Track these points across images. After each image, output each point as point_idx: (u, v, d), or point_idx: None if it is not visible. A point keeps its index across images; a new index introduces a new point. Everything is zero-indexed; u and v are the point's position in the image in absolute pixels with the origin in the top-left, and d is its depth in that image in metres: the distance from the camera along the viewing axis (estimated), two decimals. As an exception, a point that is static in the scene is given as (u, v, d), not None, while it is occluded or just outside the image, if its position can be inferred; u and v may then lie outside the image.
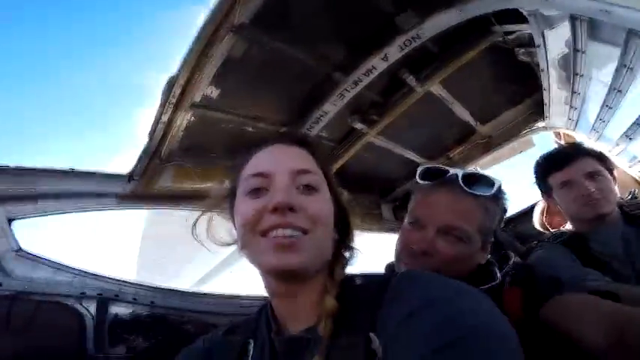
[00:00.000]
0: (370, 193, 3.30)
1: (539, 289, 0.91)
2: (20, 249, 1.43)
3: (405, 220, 1.11)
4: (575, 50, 1.57)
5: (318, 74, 2.03)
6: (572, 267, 1.29)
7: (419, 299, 0.56)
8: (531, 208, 3.41)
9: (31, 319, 1.31)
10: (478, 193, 1.00)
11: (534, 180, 1.71)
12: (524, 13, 1.48)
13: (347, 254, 0.80)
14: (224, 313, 1.86)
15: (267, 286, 0.76)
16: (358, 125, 2.46)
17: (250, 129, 2.10)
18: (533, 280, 0.95)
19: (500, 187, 1.05)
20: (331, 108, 2.17)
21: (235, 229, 0.79)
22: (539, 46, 1.64)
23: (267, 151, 0.79)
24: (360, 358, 0.56)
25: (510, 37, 1.82)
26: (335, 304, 0.66)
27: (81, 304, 1.45)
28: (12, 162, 1.45)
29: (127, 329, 1.54)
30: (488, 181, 1.03)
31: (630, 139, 2.14)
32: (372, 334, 0.58)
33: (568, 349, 0.80)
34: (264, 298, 0.83)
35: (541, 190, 1.69)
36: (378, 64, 1.98)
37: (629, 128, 2.09)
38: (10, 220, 1.45)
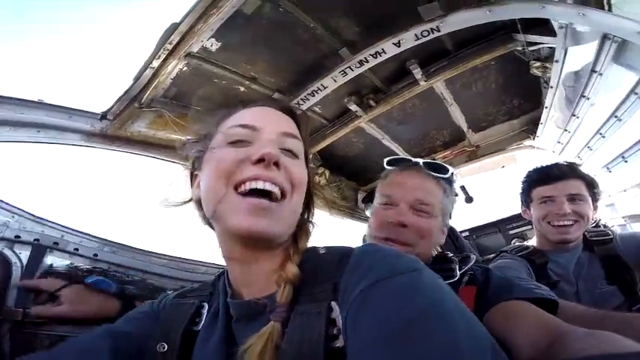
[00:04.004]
0: (349, 178, 3.19)
1: (492, 291, 0.91)
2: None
3: (376, 203, 1.19)
4: (593, 71, 1.49)
5: (325, 46, 1.87)
6: (524, 279, 1.31)
7: (379, 271, 0.55)
8: (494, 223, 3.51)
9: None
10: (438, 176, 1.15)
11: (520, 190, 1.72)
12: (555, 25, 1.37)
13: (309, 227, 0.79)
14: (175, 277, 1.69)
15: (226, 250, 0.70)
16: (353, 107, 2.32)
17: (242, 89, 1.94)
18: (488, 283, 0.95)
19: (452, 173, 1.19)
20: (330, 83, 1.99)
21: (195, 185, 0.75)
22: (557, 62, 1.55)
23: (255, 109, 0.75)
24: (320, 325, 0.54)
25: (531, 48, 1.72)
26: (296, 272, 0.63)
27: (12, 250, 1.22)
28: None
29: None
30: (443, 168, 1.18)
31: (610, 171, 2.16)
32: (333, 303, 0.57)
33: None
34: (222, 265, 0.75)
35: (522, 201, 1.71)
36: (388, 48, 1.81)
37: (612, 160, 2.10)
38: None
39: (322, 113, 2.43)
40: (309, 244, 0.75)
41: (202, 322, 0.73)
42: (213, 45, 1.63)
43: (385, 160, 1.26)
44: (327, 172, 2.91)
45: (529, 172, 1.67)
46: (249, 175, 0.63)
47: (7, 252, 1.21)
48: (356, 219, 3.14)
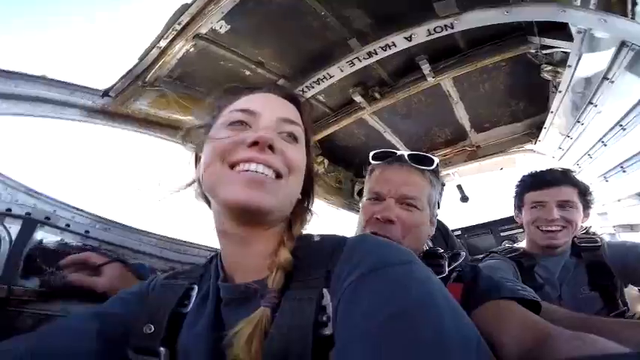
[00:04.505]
0: (348, 169, 3.18)
1: (479, 290, 0.92)
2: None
3: (364, 198, 1.20)
4: (604, 78, 1.48)
5: (334, 35, 1.82)
6: (510, 280, 1.32)
7: (372, 261, 0.55)
8: (486, 224, 3.55)
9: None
10: (423, 168, 1.16)
11: (513, 193, 1.75)
12: (574, 30, 1.35)
13: (306, 215, 0.79)
14: (166, 258, 1.66)
15: (221, 229, 0.71)
16: (358, 98, 2.29)
17: (248, 72, 1.90)
18: (475, 282, 0.96)
19: (437, 163, 1.20)
20: (337, 73, 1.96)
21: (198, 164, 0.76)
22: (569, 67, 1.54)
23: (257, 95, 0.77)
24: (310, 312, 0.54)
25: (544, 51, 1.69)
26: (289, 258, 0.64)
27: (2, 224, 1.18)
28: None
29: (48, 260, 1.26)
30: (429, 159, 1.18)
31: (607, 180, 2.18)
32: (325, 290, 0.57)
33: None
34: (214, 248, 0.73)
35: (515, 204, 1.74)
36: (399, 42, 1.78)
37: (610, 170, 2.11)
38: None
39: (326, 102, 2.39)
40: (306, 232, 0.75)
41: (191, 304, 0.73)
42: (223, 27, 1.59)
43: (371, 154, 1.26)
44: (325, 161, 2.89)
45: (523, 176, 1.70)
46: (243, 157, 0.64)
47: (-4, 225, 1.16)
48: (352, 210, 3.14)
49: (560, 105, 1.86)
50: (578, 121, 1.88)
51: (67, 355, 0.64)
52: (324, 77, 1.99)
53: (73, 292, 1.19)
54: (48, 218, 1.31)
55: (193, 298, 0.73)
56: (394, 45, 1.81)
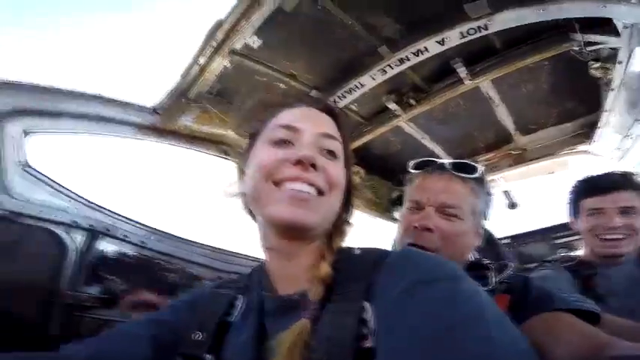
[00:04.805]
0: (384, 178, 3.13)
1: (531, 301, 0.89)
2: (27, 164, 1.32)
3: (404, 206, 1.18)
4: (662, 72, 1.34)
5: (364, 44, 1.84)
6: (566, 290, 1.22)
7: (417, 275, 0.55)
8: (539, 231, 3.29)
9: (15, 244, 1.20)
10: (465, 176, 1.11)
11: (567, 200, 1.62)
12: (620, 25, 1.25)
13: (345, 228, 0.79)
14: (215, 267, 1.77)
15: (266, 242, 0.73)
16: (392, 106, 2.26)
17: (282, 85, 1.97)
18: (526, 293, 0.93)
19: (482, 171, 1.15)
20: (368, 81, 1.98)
21: (242, 178, 0.79)
22: (620, 63, 1.42)
23: (298, 110, 0.78)
24: (351, 325, 0.55)
25: (590, 48, 1.58)
26: (329, 271, 0.65)
27: (69, 235, 1.33)
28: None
29: (108, 269, 1.40)
30: (471, 167, 1.14)
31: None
32: (365, 303, 0.57)
33: None
34: (260, 259, 0.78)
35: (570, 211, 1.61)
36: (431, 46, 1.76)
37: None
38: (25, 134, 1.35)
39: (359, 111, 2.39)
40: (345, 244, 0.76)
41: (236, 313, 0.75)
42: (255, 42, 1.67)
43: (410, 163, 1.24)
44: (362, 171, 2.88)
45: (577, 181, 1.57)
46: (288, 176, 0.67)
47: (65, 236, 1.31)
48: (389, 220, 3.09)
49: (614, 103, 1.71)
50: (637, 119, 1.71)
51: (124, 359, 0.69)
52: (356, 86, 2.01)
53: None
54: (108, 230, 1.46)
55: (238, 308, 0.76)
56: (426, 50, 1.80)
